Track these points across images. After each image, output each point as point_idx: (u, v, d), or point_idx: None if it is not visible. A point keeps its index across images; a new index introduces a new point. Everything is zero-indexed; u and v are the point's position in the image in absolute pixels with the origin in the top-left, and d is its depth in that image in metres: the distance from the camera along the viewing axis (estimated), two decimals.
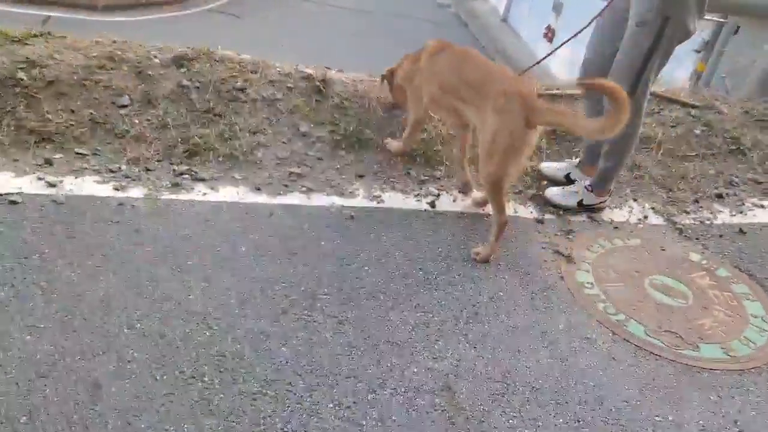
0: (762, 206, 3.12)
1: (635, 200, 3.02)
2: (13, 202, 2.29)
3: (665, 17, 2.31)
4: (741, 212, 3.02)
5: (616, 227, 2.83)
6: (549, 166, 3.06)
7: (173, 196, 2.51)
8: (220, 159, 2.72)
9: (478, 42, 17.07)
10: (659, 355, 2.18)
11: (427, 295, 2.26)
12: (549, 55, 2.94)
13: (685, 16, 2.34)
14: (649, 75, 2.46)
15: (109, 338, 1.83)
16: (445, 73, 2.57)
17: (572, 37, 2.65)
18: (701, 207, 3.04)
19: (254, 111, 2.95)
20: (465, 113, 2.55)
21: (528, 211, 2.82)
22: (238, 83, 3.01)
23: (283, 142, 2.89)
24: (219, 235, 2.36)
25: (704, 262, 2.70)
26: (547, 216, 2.81)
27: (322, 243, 2.42)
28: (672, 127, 3.46)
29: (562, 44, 2.78)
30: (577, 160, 3.02)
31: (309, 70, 3.19)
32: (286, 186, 2.69)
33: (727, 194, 3.13)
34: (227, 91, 2.96)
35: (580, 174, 2.94)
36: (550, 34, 15.96)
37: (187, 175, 2.62)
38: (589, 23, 2.67)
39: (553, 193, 2.88)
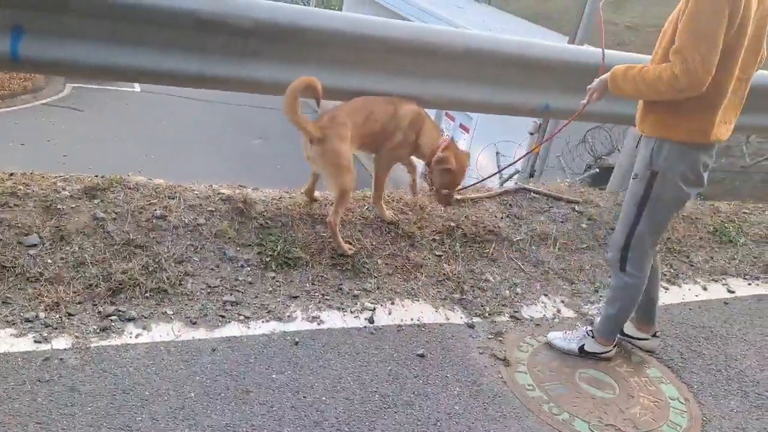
0: None
1: (546, 295, 3.27)
2: None
3: (653, 172, 2.50)
4: None
5: (537, 324, 3.04)
6: (557, 338, 2.96)
7: (104, 342, 2.32)
8: (148, 294, 2.58)
9: None
10: None
11: (388, 419, 2.27)
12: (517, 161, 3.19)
13: (673, 176, 2.47)
14: (645, 230, 2.58)
15: None
16: None
17: (551, 137, 3.05)
18: (601, 297, 3.35)
19: (177, 239, 2.84)
20: None
21: (458, 317, 2.95)
22: (157, 211, 2.90)
23: (212, 269, 2.80)
24: (164, 381, 2.21)
25: (619, 350, 2.97)
26: (476, 319, 2.96)
27: (274, 376, 2.35)
28: (562, 222, 3.83)
29: (540, 144, 3.21)
30: (589, 328, 2.92)
31: (227, 191, 3.15)
32: (222, 316, 2.59)
33: None
34: (146, 220, 2.84)
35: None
36: None
37: (114, 316, 2.44)
38: (564, 125, 3.29)
39: (554, 336, 2.92)
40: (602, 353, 2.84)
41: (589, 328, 2.87)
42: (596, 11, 8.41)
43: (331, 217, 3.02)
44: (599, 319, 2.85)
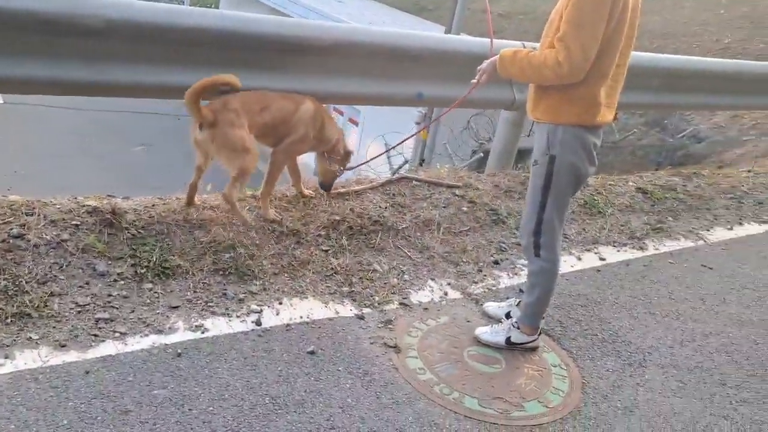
0: None
1: (433, 279, 3.34)
2: None
3: (552, 156, 2.59)
4: (516, 274, 3.52)
5: (426, 308, 3.09)
6: (491, 306, 3.15)
7: None
8: (9, 320, 2.37)
9: None
10: (496, 423, 2.43)
11: (280, 421, 2.23)
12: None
13: (570, 158, 2.58)
14: (552, 212, 2.65)
15: None
16: None
17: (430, 123, 3.17)
18: (485, 275, 3.47)
19: (39, 258, 2.64)
20: None
21: (347, 309, 2.95)
22: (14, 229, 2.68)
23: (81, 287, 2.62)
24: (31, 411, 2.05)
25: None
26: (365, 310, 2.97)
27: (156, 392, 2.24)
28: (444, 207, 3.92)
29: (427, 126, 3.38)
30: (518, 300, 3.05)
31: (93, 202, 2.96)
32: (95, 335, 2.43)
33: (501, 260, 3.63)
34: (2, 241, 2.61)
35: (518, 312, 2.96)
36: None
37: None
38: (454, 105, 3.45)
39: (481, 331, 2.94)
40: (529, 342, 2.89)
41: (514, 320, 2.92)
42: (467, 2, 8.73)
43: (227, 190, 3.09)
44: (521, 308, 2.90)
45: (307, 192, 3.66)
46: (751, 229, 4.77)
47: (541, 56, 2.47)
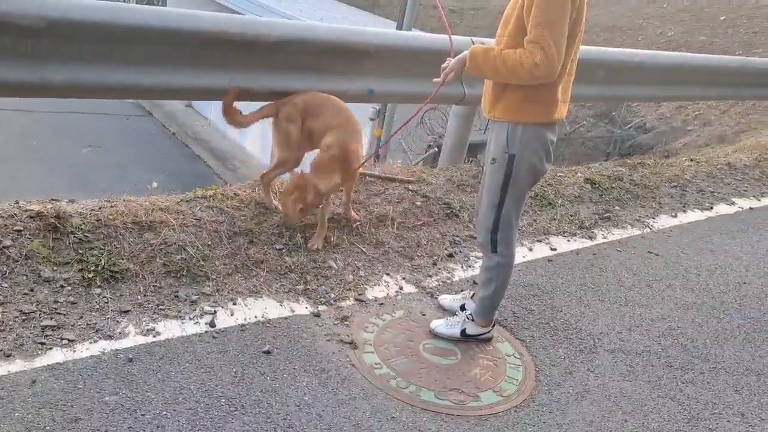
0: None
1: (388, 274, 3.36)
2: None
3: (511, 155, 2.59)
4: (470, 266, 3.57)
5: (381, 303, 3.11)
6: (446, 298, 3.18)
7: None
8: None
9: (167, 129, 16.90)
10: (453, 414, 2.46)
11: (236, 422, 2.21)
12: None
13: (529, 156, 2.59)
14: (510, 209, 2.67)
15: None
16: None
17: (404, 124, 3.40)
18: (439, 269, 3.51)
19: None
20: None
21: (303, 307, 2.94)
22: None
23: (25, 294, 2.54)
24: None
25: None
26: (321, 308, 2.96)
27: (107, 398, 2.19)
28: (398, 202, 3.94)
29: (395, 132, 3.80)
30: (472, 292, 3.10)
31: (36, 207, 2.87)
32: (42, 344, 2.37)
33: (455, 253, 3.67)
34: None
35: (473, 305, 2.99)
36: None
37: None
38: (420, 108, 3.42)
39: (437, 324, 2.96)
40: (483, 334, 2.93)
41: (469, 312, 2.95)
42: None
43: (265, 171, 3.52)
44: (476, 302, 2.93)
45: (354, 215, 3.67)
46: (694, 216, 4.94)
47: (516, 57, 2.42)
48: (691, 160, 6.34)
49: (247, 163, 14.42)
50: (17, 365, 2.26)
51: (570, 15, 2.39)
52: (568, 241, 4.09)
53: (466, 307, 3.03)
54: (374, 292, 3.18)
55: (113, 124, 14.63)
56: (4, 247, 2.66)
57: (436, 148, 9.37)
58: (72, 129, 14.06)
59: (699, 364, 3.02)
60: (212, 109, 17.29)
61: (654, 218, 4.71)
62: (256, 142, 16.04)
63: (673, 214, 4.86)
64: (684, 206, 5.07)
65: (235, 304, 2.85)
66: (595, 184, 4.92)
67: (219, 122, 17.30)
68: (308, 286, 3.08)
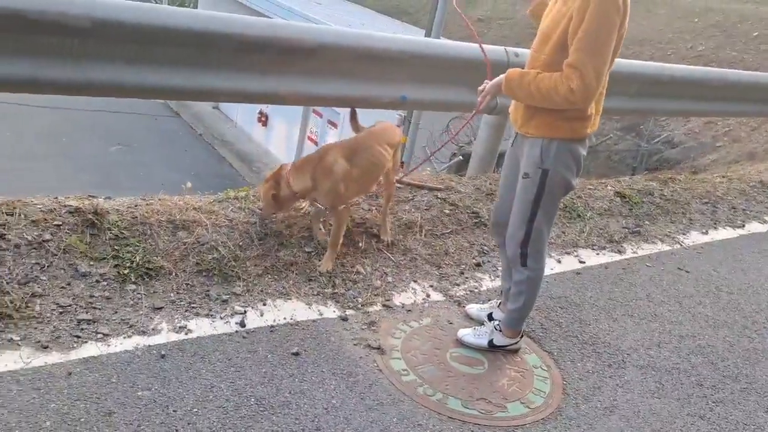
0: None
1: (415, 281, 3.36)
2: None
3: (545, 170, 2.58)
4: (497, 276, 3.55)
5: (409, 310, 3.11)
6: (473, 307, 3.18)
7: None
8: None
9: (194, 130, 17.09)
10: (480, 424, 2.46)
11: (265, 422, 2.23)
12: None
13: (562, 171, 2.59)
14: (541, 223, 2.67)
15: None
16: None
17: (449, 139, 3.69)
18: (467, 278, 3.50)
19: (20, 258, 2.60)
20: None
21: (331, 311, 2.95)
22: None
23: (63, 287, 2.59)
24: (13, 414, 2.02)
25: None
26: (349, 312, 2.98)
27: (139, 393, 2.23)
28: (426, 210, 3.95)
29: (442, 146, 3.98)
30: (499, 301, 3.12)
31: (75, 203, 2.93)
32: (78, 337, 2.41)
33: (483, 262, 3.67)
34: None
35: (501, 314, 3.01)
36: (263, 119, 16.82)
37: None
38: (465, 124, 3.44)
39: (464, 333, 2.96)
40: (510, 345, 2.92)
41: (497, 322, 2.94)
42: (448, 5, 8.79)
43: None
44: (506, 313, 2.92)
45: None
46: (725, 233, 4.87)
47: (551, 82, 2.39)
48: (723, 176, 6.25)
49: (271, 166, 14.56)
50: (54, 357, 2.30)
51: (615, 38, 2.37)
52: (597, 254, 4.06)
53: (493, 316, 3.02)
54: (401, 299, 3.19)
55: (141, 124, 14.87)
56: (43, 240, 2.71)
57: (461, 156, 9.36)
58: (100, 127, 14.32)
59: (730, 383, 2.97)
60: (238, 112, 17.51)
61: (684, 234, 4.66)
62: (281, 145, 16.19)
63: (704, 231, 4.81)
64: (715, 223, 5.01)
65: (264, 304, 2.87)
66: (625, 197, 4.88)
67: (245, 125, 17.51)
68: (336, 290, 3.09)
